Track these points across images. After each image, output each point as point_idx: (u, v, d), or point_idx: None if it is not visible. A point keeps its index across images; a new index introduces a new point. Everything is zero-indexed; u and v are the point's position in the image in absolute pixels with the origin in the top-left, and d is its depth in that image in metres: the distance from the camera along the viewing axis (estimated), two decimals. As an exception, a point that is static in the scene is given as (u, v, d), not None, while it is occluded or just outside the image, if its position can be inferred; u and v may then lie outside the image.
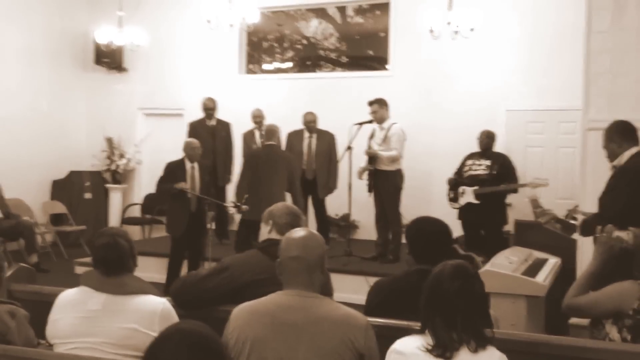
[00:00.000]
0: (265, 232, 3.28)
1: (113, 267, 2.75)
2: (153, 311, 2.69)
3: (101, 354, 2.61)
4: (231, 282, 3.11)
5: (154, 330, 2.67)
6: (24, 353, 2.64)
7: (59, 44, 10.57)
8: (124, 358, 2.62)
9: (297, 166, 7.63)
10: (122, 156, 10.53)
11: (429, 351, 2.20)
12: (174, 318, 2.77)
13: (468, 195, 7.32)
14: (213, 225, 7.36)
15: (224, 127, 8.71)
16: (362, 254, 7.75)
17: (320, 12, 10.30)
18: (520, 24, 8.53)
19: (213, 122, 8.63)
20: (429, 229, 3.10)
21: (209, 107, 8.62)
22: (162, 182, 7.03)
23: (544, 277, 4.75)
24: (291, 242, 2.50)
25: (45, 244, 9.50)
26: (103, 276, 2.75)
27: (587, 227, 4.13)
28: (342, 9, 10.20)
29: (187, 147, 7.07)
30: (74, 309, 2.73)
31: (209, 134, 8.54)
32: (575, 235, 4.90)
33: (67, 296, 2.82)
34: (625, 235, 3.22)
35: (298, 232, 2.55)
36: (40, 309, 3.16)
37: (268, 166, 7.18)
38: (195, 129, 8.55)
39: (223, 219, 8.85)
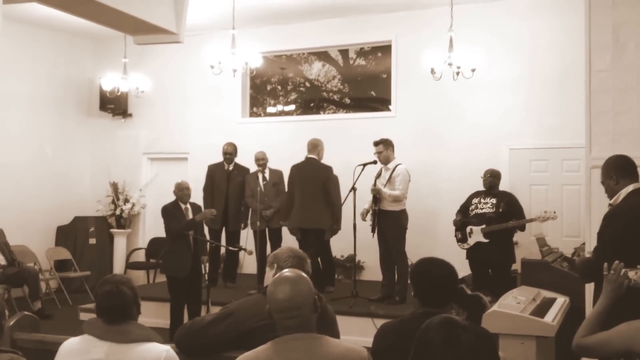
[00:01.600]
0: (270, 275, 3.26)
1: (116, 315, 2.72)
2: (157, 359, 2.66)
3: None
4: (236, 327, 3.08)
5: (158, 378, 2.64)
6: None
7: (64, 91, 10.71)
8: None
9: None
10: (126, 201, 10.55)
11: None
12: (178, 365, 2.74)
13: (476, 234, 7.28)
14: (206, 269, 7.31)
15: (240, 173, 8.73)
16: (368, 295, 7.69)
17: (322, 55, 10.43)
18: (521, 63, 8.60)
19: (230, 167, 8.68)
20: (434, 272, 3.06)
21: (228, 152, 8.68)
22: (173, 223, 6.98)
23: (552, 316, 4.70)
24: (278, 301, 2.43)
25: (49, 290, 9.47)
26: (106, 324, 2.72)
27: (585, 274, 4.04)
28: (344, 52, 10.33)
29: (177, 189, 7.10)
30: (77, 358, 2.70)
31: (224, 178, 8.60)
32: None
33: (70, 345, 2.79)
34: (634, 274, 3.18)
35: (281, 288, 2.45)
36: (43, 358, 3.14)
37: (306, 178, 7.86)
38: (213, 172, 8.64)
39: (232, 264, 8.82)
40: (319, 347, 2.40)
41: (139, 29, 6.68)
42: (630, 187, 3.84)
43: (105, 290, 2.75)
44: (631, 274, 3.18)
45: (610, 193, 3.96)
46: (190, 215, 7.03)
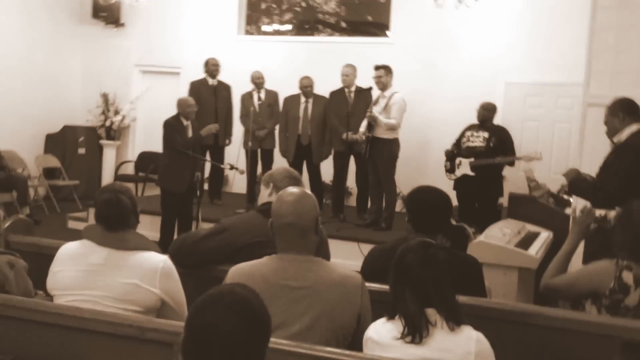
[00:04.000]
0: (266, 194, 3.29)
1: (115, 223, 2.76)
2: (154, 268, 2.71)
3: (101, 307, 2.63)
4: (230, 243, 3.13)
5: (155, 287, 2.70)
6: (23, 303, 2.66)
7: (56, -6, 10.42)
8: (124, 312, 2.64)
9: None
10: (117, 113, 10.46)
11: (403, 338, 2.18)
12: (175, 275, 2.80)
13: (465, 166, 7.34)
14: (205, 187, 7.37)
15: (225, 88, 8.66)
16: (355, 221, 7.79)
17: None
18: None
19: (215, 82, 8.57)
20: (430, 200, 3.10)
21: (216, 64, 8.55)
22: (178, 138, 6.96)
23: (536, 249, 4.81)
24: (284, 206, 2.47)
25: (38, 197, 9.49)
26: (105, 231, 2.76)
27: (578, 189, 4.22)
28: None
29: (183, 105, 7.05)
30: (76, 262, 2.74)
31: (210, 94, 8.50)
32: (568, 210, 4.95)
33: (69, 249, 2.83)
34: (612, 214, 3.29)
35: (290, 195, 2.50)
36: (38, 260, 3.18)
37: None
38: (197, 88, 8.49)
39: (217, 180, 8.85)
40: (315, 271, 2.44)
41: None
42: (634, 127, 4.05)
43: (104, 198, 2.77)
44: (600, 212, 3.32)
45: (613, 131, 4.14)
46: (190, 132, 7.02)
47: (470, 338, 2.21)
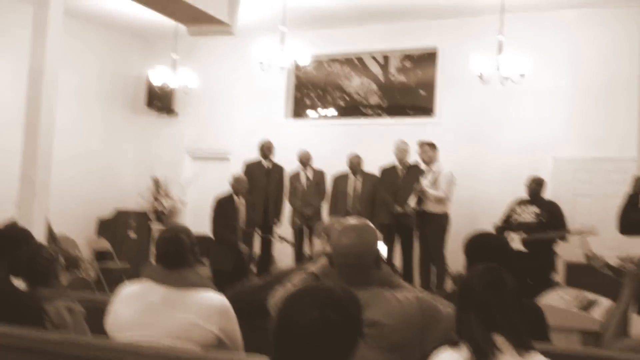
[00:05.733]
0: (319, 245, 3.29)
1: (174, 261, 2.78)
2: (212, 306, 2.71)
3: (159, 345, 2.61)
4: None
5: (213, 325, 2.68)
6: (83, 341, 2.66)
7: (112, 86, 10.93)
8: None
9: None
10: (167, 196, 10.67)
11: None
12: (233, 314, 2.78)
13: (515, 242, 7.20)
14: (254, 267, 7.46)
15: (277, 170, 8.81)
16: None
17: (363, 70, 10.48)
18: (567, 73, 8.54)
19: (269, 164, 8.75)
20: (491, 243, 3.06)
21: (267, 148, 8.75)
22: (217, 219, 7.36)
23: (598, 313, 4.63)
24: (342, 246, 2.44)
25: (88, 280, 9.58)
26: (164, 269, 2.78)
27: None
28: (384, 67, 10.36)
29: (234, 182, 7.26)
30: (135, 301, 2.75)
31: (263, 175, 8.64)
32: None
33: (129, 289, 2.85)
34: None
35: (347, 234, 2.48)
36: (94, 316, 3.19)
37: None
38: (251, 168, 8.66)
39: (266, 259, 8.85)
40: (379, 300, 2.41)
41: (193, 18, 6.82)
42: None
43: (164, 237, 2.81)
44: None
45: None
46: (243, 210, 7.22)
47: None
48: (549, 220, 7.15)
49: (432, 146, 7.62)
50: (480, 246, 3.06)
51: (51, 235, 8.76)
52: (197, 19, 6.89)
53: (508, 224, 7.34)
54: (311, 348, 1.55)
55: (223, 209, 7.29)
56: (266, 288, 3.17)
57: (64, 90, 9.90)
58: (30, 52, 6.02)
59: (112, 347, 2.60)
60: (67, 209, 9.74)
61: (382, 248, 2.63)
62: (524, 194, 7.46)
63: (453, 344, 2.22)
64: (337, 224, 3.31)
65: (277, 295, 2.64)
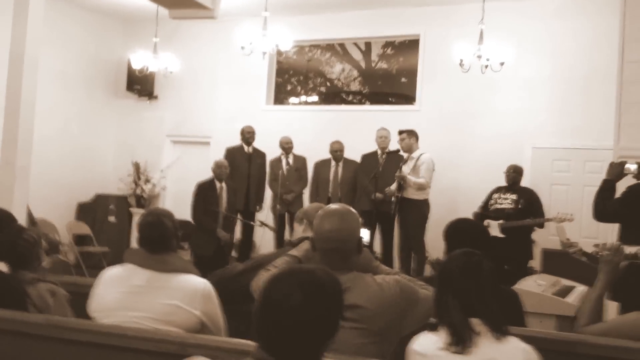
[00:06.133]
0: (300, 230, 3.32)
1: (157, 245, 2.80)
2: (195, 290, 2.74)
3: (142, 327, 2.64)
4: (266, 277, 3.14)
5: (196, 308, 2.71)
6: (66, 323, 2.68)
7: (93, 69, 10.83)
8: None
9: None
10: (147, 181, 10.64)
11: (447, 348, 2.15)
12: (215, 298, 2.81)
13: (493, 228, 7.28)
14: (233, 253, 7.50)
15: (259, 155, 8.81)
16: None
17: (345, 57, 10.49)
18: (548, 62, 8.61)
19: (250, 149, 8.74)
20: (469, 229, 3.12)
21: (251, 132, 8.74)
22: (198, 204, 7.41)
23: (573, 299, 4.72)
24: (324, 231, 2.48)
25: (68, 263, 9.55)
26: (147, 253, 2.80)
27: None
28: (367, 53, 10.38)
29: (215, 166, 7.27)
30: (118, 284, 2.77)
31: (245, 160, 8.64)
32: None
33: (112, 272, 2.87)
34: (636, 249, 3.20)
35: (329, 219, 2.51)
36: (76, 299, 3.21)
37: None
38: (232, 153, 8.65)
39: (247, 245, 8.88)
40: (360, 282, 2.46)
41: (175, 1, 6.78)
42: None
43: (147, 221, 2.83)
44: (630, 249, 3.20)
45: None
46: (224, 195, 7.23)
47: (518, 348, 2.18)
48: (527, 207, 7.25)
49: (412, 133, 7.68)
50: (459, 232, 3.13)
51: (30, 219, 8.72)
52: (180, 3, 6.86)
53: (486, 210, 7.42)
54: (295, 329, 1.58)
55: (204, 194, 7.34)
56: (248, 273, 3.20)
57: (44, 74, 9.79)
58: (10, 35, 5.95)
59: (96, 330, 2.62)
60: (47, 193, 9.68)
61: (365, 233, 2.67)
62: (503, 181, 7.55)
63: (432, 327, 2.28)
64: (317, 209, 3.37)
65: (260, 279, 2.68)
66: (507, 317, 2.76)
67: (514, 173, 7.49)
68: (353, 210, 2.59)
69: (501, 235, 7.21)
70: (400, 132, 7.71)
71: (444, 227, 3.34)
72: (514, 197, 7.33)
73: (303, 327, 1.58)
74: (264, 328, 1.61)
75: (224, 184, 7.25)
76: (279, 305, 1.60)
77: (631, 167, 3.93)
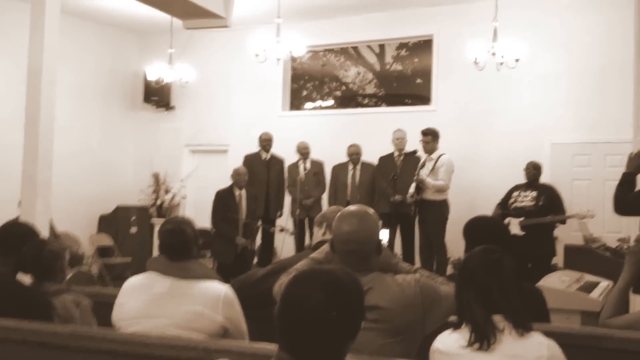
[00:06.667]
0: (319, 234, 3.32)
1: (178, 253, 2.82)
2: (217, 296, 2.75)
3: (167, 335, 2.65)
4: (288, 281, 3.15)
5: (218, 314, 2.73)
6: (91, 333, 2.71)
7: (110, 83, 10.95)
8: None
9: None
10: (167, 191, 10.71)
11: (470, 346, 2.14)
12: (237, 304, 2.83)
13: (514, 226, 7.24)
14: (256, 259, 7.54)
15: (277, 162, 8.82)
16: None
17: (360, 60, 10.50)
18: (564, 57, 8.56)
19: (268, 156, 8.76)
20: (489, 226, 3.11)
21: (268, 139, 8.74)
22: (217, 212, 7.47)
23: (598, 294, 4.68)
24: (343, 232, 2.49)
25: (92, 275, 9.63)
26: (169, 261, 2.82)
27: None
28: (381, 55, 10.38)
29: (234, 173, 7.34)
30: (141, 292, 2.79)
31: (263, 166, 8.65)
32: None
33: (134, 281, 2.89)
34: None
35: (348, 220, 2.53)
36: (99, 310, 3.24)
37: None
38: (251, 160, 8.66)
39: (267, 251, 8.90)
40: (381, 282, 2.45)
41: (189, 12, 6.84)
42: None
43: (168, 229, 2.85)
44: None
45: None
46: (244, 203, 7.26)
47: (541, 343, 2.17)
48: (547, 204, 7.20)
49: (435, 136, 7.66)
50: (479, 229, 3.12)
51: (53, 233, 8.81)
52: (193, 13, 6.91)
53: (506, 208, 7.38)
54: (316, 330, 1.58)
55: (222, 201, 7.39)
56: (269, 277, 3.21)
57: (62, 89, 9.89)
58: (28, 51, 6.03)
59: (119, 339, 2.65)
60: (68, 207, 9.78)
61: (384, 234, 2.68)
62: (522, 179, 7.50)
63: (454, 325, 2.27)
64: (336, 212, 3.37)
65: (282, 283, 2.69)
66: (531, 315, 2.77)
67: (534, 170, 7.43)
68: (372, 211, 2.58)
69: (521, 233, 7.16)
70: (425, 134, 7.67)
71: (464, 225, 3.31)
72: (534, 194, 7.28)
73: (324, 327, 1.58)
74: (285, 329, 1.61)
75: (243, 191, 7.30)
76: (299, 305, 1.60)
77: None
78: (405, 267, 2.74)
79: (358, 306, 1.67)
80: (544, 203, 7.20)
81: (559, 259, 7.46)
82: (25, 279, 3.14)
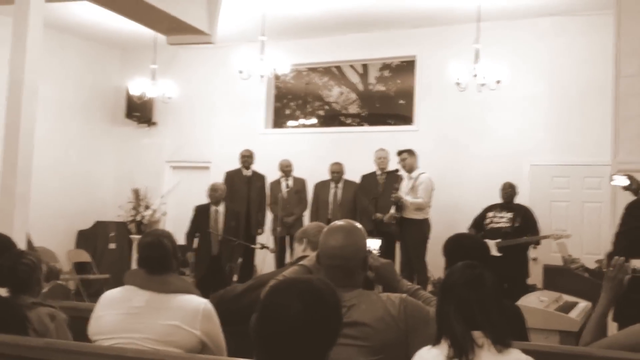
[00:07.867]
0: (300, 250, 3.32)
1: (156, 266, 2.80)
2: (196, 310, 2.72)
3: (143, 349, 2.62)
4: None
5: (196, 328, 2.70)
6: (66, 346, 2.67)
7: (91, 98, 10.90)
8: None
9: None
10: (147, 207, 10.63)
11: None
12: (216, 318, 2.80)
13: (491, 248, 7.27)
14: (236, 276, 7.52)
15: (259, 179, 8.83)
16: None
17: (343, 80, 10.56)
18: (543, 80, 8.67)
19: (249, 173, 8.75)
20: (467, 244, 3.12)
21: (247, 155, 8.80)
22: (190, 226, 7.75)
23: (576, 314, 4.70)
24: (329, 247, 2.46)
25: (68, 289, 9.51)
26: (147, 274, 2.79)
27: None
28: (364, 76, 10.45)
29: (209, 190, 7.43)
30: (118, 306, 2.76)
31: (244, 183, 8.67)
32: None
33: (112, 294, 2.86)
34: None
35: (335, 235, 2.49)
36: (76, 324, 3.19)
37: None
38: (232, 177, 8.68)
39: (247, 269, 8.84)
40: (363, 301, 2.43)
41: (173, 28, 6.84)
42: None
43: (146, 241, 2.83)
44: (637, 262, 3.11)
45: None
46: (220, 219, 7.39)
47: (519, 359, 2.17)
48: (523, 225, 7.30)
49: (412, 152, 7.71)
50: (459, 246, 3.12)
51: (30, 247, 8.70)
52: (177, 29, 6.91)
53: (481, 229, 7.42)
54: (294, 339, 1.57)
55: (197, 217, 7.56)
56: (248, 293, 3.19)
57: (43, 103, 9.81)
58: (9, 65, 5.99)
59: (95, 352, 2.61)
60: (47, 221, 9.67)
61: (375, 243, 2.66)
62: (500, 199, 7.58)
63: (433, 341, 2.26)
64: (317, 228, 3.36)
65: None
66: (510, 332, 2.77)
67: (510, 189, 7.57)
68: (360, 226, 2.56)
69: (498, 254, 7.21)
70: (400, 153, 7.74)
71: (444, 242, 3.32)
72: (510, 215, 7.36)
73: (302, 336, 1.57)
74: (263, 338, 1.60)
75: (221, 207, 7.33)
76: (277, 315, 1.59)
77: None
78: (406, 286, 2.72)
79: (336, 315, 1.66)
80: (520, 224, 7.30)
81: (538, 280, 7.51)
82: (1, 291, 3.09)
